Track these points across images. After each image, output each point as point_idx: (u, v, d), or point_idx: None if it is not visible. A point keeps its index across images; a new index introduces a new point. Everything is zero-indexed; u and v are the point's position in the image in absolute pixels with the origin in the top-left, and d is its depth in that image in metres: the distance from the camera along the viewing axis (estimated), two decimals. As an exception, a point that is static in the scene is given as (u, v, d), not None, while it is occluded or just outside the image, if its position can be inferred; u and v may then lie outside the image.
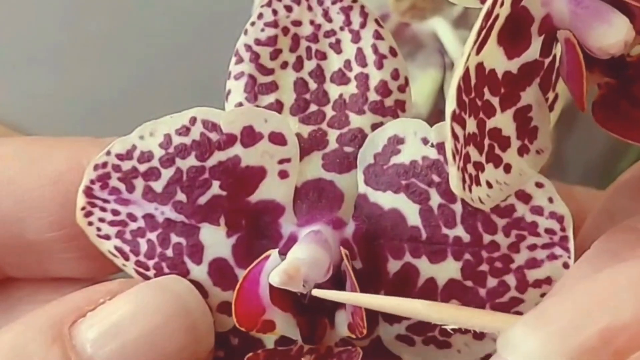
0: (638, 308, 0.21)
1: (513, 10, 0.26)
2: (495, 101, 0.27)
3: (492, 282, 0.28)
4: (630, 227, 0.27)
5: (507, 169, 0.27)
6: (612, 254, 0.26)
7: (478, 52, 0.25)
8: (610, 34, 0.25)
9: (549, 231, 0.27)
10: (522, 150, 0.27)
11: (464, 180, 0.25)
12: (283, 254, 0.28)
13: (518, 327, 0.22)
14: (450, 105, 0.25)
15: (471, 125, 0.26)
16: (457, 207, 0.28)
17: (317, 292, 0.27)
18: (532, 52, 0.27)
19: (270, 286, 0.27)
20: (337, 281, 0.28)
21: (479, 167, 0.26)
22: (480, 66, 0.26)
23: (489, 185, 0.26)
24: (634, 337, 0.21)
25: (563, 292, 0.24)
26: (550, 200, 0.27)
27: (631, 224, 0.27)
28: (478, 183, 0.26)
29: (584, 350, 0.21)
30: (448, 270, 0.28)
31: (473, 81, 0.26)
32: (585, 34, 0.26)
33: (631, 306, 0.22)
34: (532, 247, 0.28)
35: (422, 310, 0.25)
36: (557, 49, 0.27)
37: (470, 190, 0.26)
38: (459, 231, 0.28)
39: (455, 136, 0.25)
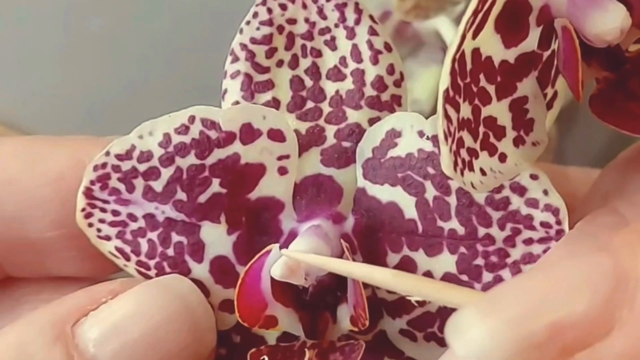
0: (590, 305, 0.20)
1: None
2: (491, 89, 0.26)
3: (487, 276, 0.28)
4: (613, 210, 0.26)
5: (503, 158, 0.27)
6: (591, 236, 0.25)
7: (475, 37, 0.25)
8: (607, 21, 0.25)
9: (545, 224, 0.27)
10: (518, 141, 0.27)
11: (456, 163, 0.25)
12: (284, 249, 0.28)
13: (468, 311, 0.21)
14: (443, 84, 0.24)
15: (466, 111, 0.26)
16: (452, 200, 0.28)
17: (285, 252, 0.27)
18: (530, 42, 0.27)
19: (272, 281, 0.27)
20: (338, 275, 0.28)
21: (473, 153, 0.26)
22: (476, 52, 0.26)
23: (483, 172, 0.26)
24: (582, 335, 0.20)
25: (519, 278, 0.23)
26: (545, 192, 0.27)
27: (615, 207, 0.26)
28: (471, 169, 0.26)
29: (531, 345, 0.20)
30: (444, 263, 0.28)
31: (469, 66, 0.25)
32: (582, 21, 0.26)
33: (583, 303, 0.20)
34: (529, 242, 0.27)
35: (390, 279, 0.24)
36: (557, 44, 0.27)
37: (462, 173, 0.25)
38: (454, 224, 0.28)
39: (447, 117, 0.25)
